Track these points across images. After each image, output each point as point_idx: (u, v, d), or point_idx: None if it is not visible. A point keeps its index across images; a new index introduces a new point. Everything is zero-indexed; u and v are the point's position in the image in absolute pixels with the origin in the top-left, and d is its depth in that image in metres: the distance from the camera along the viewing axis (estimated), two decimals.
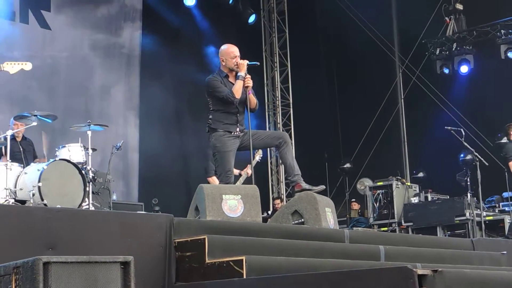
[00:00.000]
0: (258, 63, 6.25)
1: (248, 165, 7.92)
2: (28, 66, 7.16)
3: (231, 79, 6.05)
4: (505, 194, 10.85)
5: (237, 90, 5.93)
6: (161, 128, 12.37)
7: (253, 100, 6.09)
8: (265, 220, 6.48)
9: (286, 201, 13.19)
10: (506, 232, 9.24)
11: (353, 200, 12.71)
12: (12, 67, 7.08)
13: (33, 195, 7.10)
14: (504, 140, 9.65)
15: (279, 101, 14.72)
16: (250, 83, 6.00)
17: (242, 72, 5.96)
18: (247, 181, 7.96)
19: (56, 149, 8.04)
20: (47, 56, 11.18)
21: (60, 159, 7.61)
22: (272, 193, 14.46)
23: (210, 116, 6.01)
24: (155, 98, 12.32)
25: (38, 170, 7.26)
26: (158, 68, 12.53)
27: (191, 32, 13.24)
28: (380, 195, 11.42)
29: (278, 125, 14.62)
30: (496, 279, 3.50)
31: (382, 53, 13.07)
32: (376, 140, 12.99)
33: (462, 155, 10.87)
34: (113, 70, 12.08)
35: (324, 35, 14.40)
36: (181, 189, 12.33)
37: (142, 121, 12.21)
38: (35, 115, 7.71)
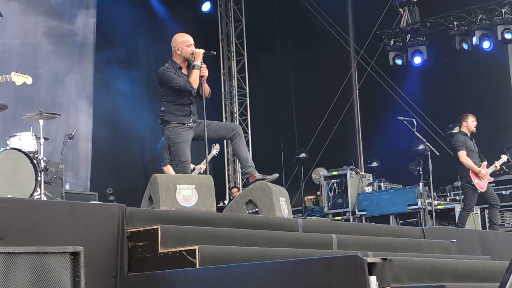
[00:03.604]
0: (215, 52, 6.21)
1: (202, 162, 7.91)
2: (29, 80, 7.37)
3: (184, 71, 5.98)
4: (456, 183, 11.08)
5: (195, 80, 5.88)
6: (116, 117, 12.22)
7: (206, 89, 6.06)
8: (221, 209, 6.47)
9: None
10: (457, 220, 9.44)
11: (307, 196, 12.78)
12: (18, 79, 7.20)
13: None
14: (456, 130, 9.83)
15: (236, 91, 14.71)
16: (205, 72, 5.96)
17: (198, 62, 5.91)
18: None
19: (7, 138, 7.87)
20: None
21: (11, 148, 7.46)
22: (229, 182, 14.46)
23: (163, 108, 5.91)
24: (109, 87, 12.15)
25: None
26: (112, 56, 12.36)
27: (147, 21, 13.10)
28: (335, 184, 11.55)
29: (235, 114, 14.61)
30: (444, 267, 3.58)
31: (337, 44, 13.15)
32: (331, 130, 13.09)
33: (414, 145, 11.06)
34: (67, 58, 11.86)
35: (280, 25, 14.43)
36: (137, 179, 12.22)
37: (96, 110, 12.03)
38: None
